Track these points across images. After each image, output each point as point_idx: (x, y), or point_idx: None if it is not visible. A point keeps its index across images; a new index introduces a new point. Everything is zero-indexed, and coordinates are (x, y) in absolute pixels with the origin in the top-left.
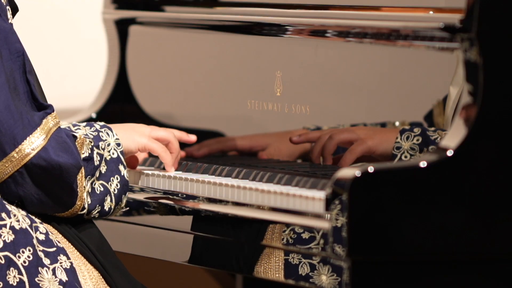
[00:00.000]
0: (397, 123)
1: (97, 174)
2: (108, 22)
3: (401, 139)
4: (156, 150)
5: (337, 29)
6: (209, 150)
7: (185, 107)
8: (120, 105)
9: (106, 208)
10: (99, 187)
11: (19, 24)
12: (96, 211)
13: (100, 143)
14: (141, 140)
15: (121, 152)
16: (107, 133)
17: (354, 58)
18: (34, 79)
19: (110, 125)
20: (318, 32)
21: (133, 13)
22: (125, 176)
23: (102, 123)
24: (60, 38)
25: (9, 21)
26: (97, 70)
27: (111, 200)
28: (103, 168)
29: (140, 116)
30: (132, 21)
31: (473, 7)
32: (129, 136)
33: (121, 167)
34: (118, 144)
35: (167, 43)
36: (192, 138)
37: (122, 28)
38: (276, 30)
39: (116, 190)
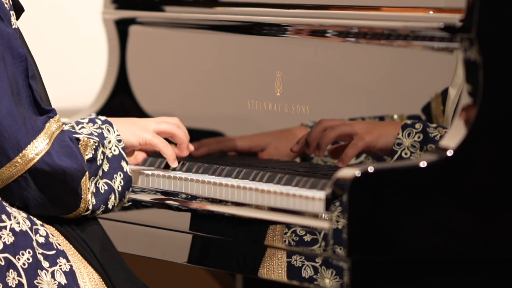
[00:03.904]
0: (395, 116)
1: (100, 172)
2: (108, 22)
3: (402, 135)
4: (157, 145)
5: (336, 29)
6: (208, 150)
7: (185, 107)
8: (120, 105)
9: (110, 206)
10: (103, 186)
11: (19, 24)
12: (100, 211)
13: (105, 141)
14: (143, 134)
15: (123, 148)
16: (108, 130)
17: (354, 58)
18: (39, 83)
19: (112, 120)
20: (318, 32)
21: (133, 13)
22: (128, 172)
23: (103, 118)
24: (60, 38)
25: (13, 25)
26: (97, 70)
27: (115, 198)
28: (106, 166)
29: (140, 116)
30: (132, 21)
31: (473, 7)
32: (131, 129)
33: (123, 163)
34: (119, 141)
35: (167, 43)
36: (186, 153)
37: (122, 28)
38: (276, 30)
39: (120, 187)
